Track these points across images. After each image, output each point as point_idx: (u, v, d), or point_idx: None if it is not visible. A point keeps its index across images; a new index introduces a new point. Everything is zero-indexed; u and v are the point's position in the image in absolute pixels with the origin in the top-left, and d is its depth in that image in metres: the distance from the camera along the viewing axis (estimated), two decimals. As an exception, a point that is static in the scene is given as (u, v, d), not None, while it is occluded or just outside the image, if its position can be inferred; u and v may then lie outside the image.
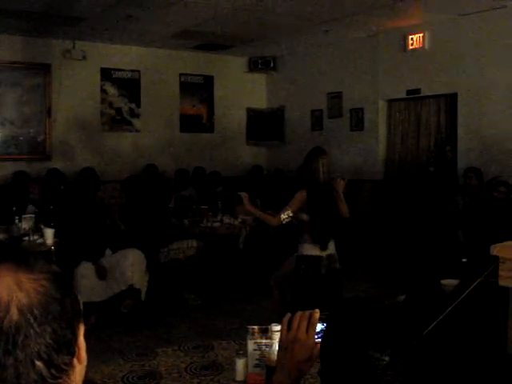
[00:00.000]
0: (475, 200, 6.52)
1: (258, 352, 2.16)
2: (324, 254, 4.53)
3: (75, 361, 0.94)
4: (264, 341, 2.15)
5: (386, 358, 1.16)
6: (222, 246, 6.79)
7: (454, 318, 1.47)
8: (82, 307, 0.99)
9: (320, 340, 1.48)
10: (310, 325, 1.48)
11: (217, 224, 6.77)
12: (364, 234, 8.42)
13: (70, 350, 0.93)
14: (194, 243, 6.54)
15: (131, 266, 5.76)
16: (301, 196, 4.50)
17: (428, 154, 7.99)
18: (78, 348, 0.96)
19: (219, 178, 8.73)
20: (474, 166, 6.93)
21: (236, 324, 5.66)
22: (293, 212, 4.44)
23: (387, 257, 7.73)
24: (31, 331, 0.88)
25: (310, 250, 4.51)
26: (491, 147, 7.16)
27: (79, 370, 0.96)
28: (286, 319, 1.52)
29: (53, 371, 0.89)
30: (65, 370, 0.91)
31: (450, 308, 1.44)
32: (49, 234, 5.61)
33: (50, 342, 0.89)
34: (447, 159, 7.71)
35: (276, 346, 2.03)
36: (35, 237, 5.70)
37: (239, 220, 6.94)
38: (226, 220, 6.90)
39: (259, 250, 6.96)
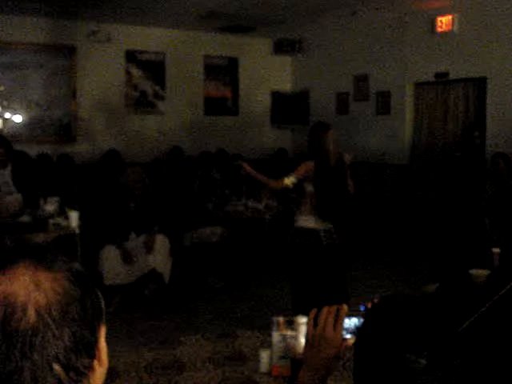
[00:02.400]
0: (503, 187, 6.38)
1: (283, 344, 2.13)
2: (321, 227, 4.47)
3: (95, 364, 0.90)
4: (289, 332, 2.12)
5: (423, 361, 1.11)
6: (247, 230, 6.76)
7: (491, 313, 1.42)
8: (103, 306, 0.95)
9: (349, 336, 1.44)
10: (337, 321, 1.43)
11: (241, 208, 6.73)
12: (387, 219, 8.33)
13: (90, 352, 0.89)
14: (219, 230, 6.52)
15: (154, 250, 5.76)
16: (308, 166, 4.45)
17: (455, 139, 7.85)
18: (99, 350, 0.92)
19: (241, 167, 8.66)
20: (502, 152, 6.78)
21: (259, 309, 5.64)
22: (297, 179, 4.40)
23: (411, 244, 7.63)
24: (49, 333, 0.84)
25: (306, 222, 4.48)
26: (521, 133, 7.00)
27: (100, 373, 0.92)
28: (311, 315, 1.47)
29: (71, 375, 0.86)
30: (84, 373, 0.88)
31: (488, 304, 1.39)
32: (73, 216, 5.62)
33: (69, 344, 0.86)
34: (475, 144, 7.56)
35: (302, 338, 2.00)
36: (59, 219, 5.72)
37: (263, 204, 6.89)
38: (250, 204, 6.86)
39: (283, 234, 6.91)
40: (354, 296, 5.54)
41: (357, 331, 1.42)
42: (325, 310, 1.46)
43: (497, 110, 7.27)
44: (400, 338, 1.15)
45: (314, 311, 1.48)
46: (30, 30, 8.24)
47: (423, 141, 8.41)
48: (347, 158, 4.69)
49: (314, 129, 4.64)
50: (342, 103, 9.50)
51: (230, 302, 5.87)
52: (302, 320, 2.00)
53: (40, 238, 5.39)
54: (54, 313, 0.85)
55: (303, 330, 1.98)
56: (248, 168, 4.63)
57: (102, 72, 8.76)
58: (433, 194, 7.94)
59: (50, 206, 5.91)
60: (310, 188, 4.48)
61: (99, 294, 0.95)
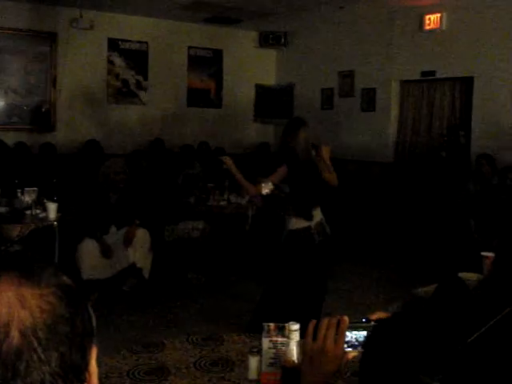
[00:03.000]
0: (487, 188, 6.36)
1: (273, 350, 2.04)
2: (312, 223, 4.44)
3: None
4: (280, 339, 2.02)
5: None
6: (229, 226, 6.66)
7: (501, 325, 1.35)
8: (94, 324, 0.85)
9: (350, 350, 1.36)
10: (339, 333, 1.34)
11: (224, 203, 6.63)
12: (371, 216, 8.28)
13: (80, 377, 0.79)
14: (200, 225, 6.41)
15: (134, 245, 5.63)
16: (282, 170, 4.44)
17: (440, 139, 7.82)
18: (89, 374, 0.82)
19: (224, 155, 8.56)
20: (487, 153, 6.75)
21: (241, 306, 5.54)
22: (273, 184, 4.37)
23: (395, 242, 7.59)
24: (35, 357, 0.74)
25: (297, 223, 4.44)
26: (506, 134, 6.98)
27: None
28: (310, 327, 1.38)
29: None
30: None
31: (499, 316, 1.32)
32: (52, 208, 5.47)
33: (57, 369, 0.75)
34: (460, 144, 7.54)
35: (293, 346, 1.91)
36: (37, 211, 5.57)
37: (246, 199, 6.79)
38: (233, 199, 6.75)
39: (266, 230, 6.83)
40: (336, 294, 5.49)
41: (363, 346, 1.33)
42: (325, 321, 1.36)
43: (482, 110, 7.25)
44: (412, 357, 1.07)
45: (312, 322, 1.39)
46: (11, 15, 8.01)
47: (408, 139, 8.38)
48: (325, 149, 4.61)
49: (287, 125, 4.62)
50: (327, 99, 9.44)
51: (211, 299, 5.77)
52: (294, 327, 1.91)
53: (17, 229, 5.24)
54: (41, 334, 0.75)
55: (295, 336, 1.89)
56: (230, 164, 4.54)
57: (83, 60, 8.58)
58: (417, 192, 7.91)
59: (28, 197, 5.75)
60: (287, 190, 4.46)
61: (90, 311, 0.85)
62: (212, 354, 2.26)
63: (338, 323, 1.35)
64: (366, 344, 1.29)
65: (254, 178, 7.45)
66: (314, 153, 4.58)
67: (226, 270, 6.56)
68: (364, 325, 1.38)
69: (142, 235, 5.68)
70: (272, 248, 4.86)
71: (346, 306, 5.28)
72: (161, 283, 5.96)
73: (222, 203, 6.64)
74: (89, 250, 5.45)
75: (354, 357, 1.36)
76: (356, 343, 1.36)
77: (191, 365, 2.16)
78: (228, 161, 4.53)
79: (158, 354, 2.25)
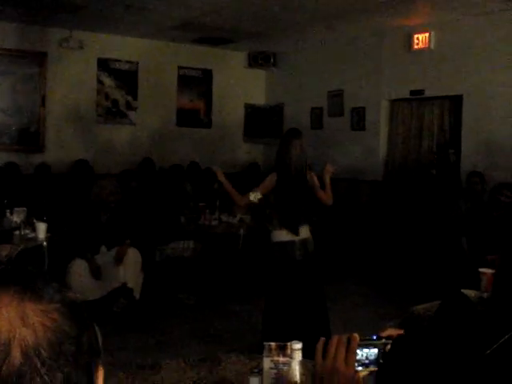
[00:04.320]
0: (479, 205, 6.35)
1: (275, 371, 1.98)
2: (297, 238, 4.39)
3: None
4: (282, 359, 1.96)
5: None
6: (220, 246, 6.60)
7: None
8: (101, 343, 0.79)
9: (361, 369, 1.30)
10: (349, 352, 1.29)
11: (215, 222, 6.57)
12: (361, 235, 8.25)
13: None
14: (191, 244, 6.35)
15: (125, 265, 5.56)
16: (271, 178, 4.42)
17: (430, 157, 7.84)
18: None
19: (214, 175, 8.52)
20: (477, 171, 6.76)
21: (234, 327, 5.48)
22: (262, 194, 4.33)
23: (385, 260, 7.56)
24: (37, 379, 0.68)
25: (282, 235, 4.39)
26: (495, 151, 7.01)
27: None
28: (320, 346, 1.33)
29: None
30: None
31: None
32: (41, 228, 5.41)
33: None
34: (450, 162, 7.56)
35: (296, 366, 1.86)
36: (27, 231, 5.49)
37: (237, 219, 6.75)
38: (224, 218, 6.71)
39: (257, 249, 6.78)
40: (329, 314, 5.42)
41: (379, 364, 1.28)
42: (334, 339, 1.32)
43: (472, 128, 7.28)
44: (431, 373, 1.02)
45: (322, 341, 1.34)
46: (0, 34, 7.98)
47: (398, 157, 8.39)
48: (329, 169, 4.62)
49: (283, 135, 4.64)
50: (317, 118, 9.45)
51: (203, 320, 5.70)
52: (297, 346, 1.86)
53: (6, 249, 5.14)
54: (44, 353, 0.69)
55: (297, 356, 1.84)
56: (221, 176, 4.54)
57: (73, 80, 8.54)
58: (407, 211, 7.89)
59: (17, 217, 5.68)
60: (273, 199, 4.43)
61: (96, 328, 0.80)
62: (210, 376, 2.20)
63: (348, 341, 1.30)
64: (383, 361, 1.24)
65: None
66: (310, 172, 4.55)
67: (218, 290, 6.49)
68: (374, 342, 1.33)
69: (132, 255, 5.61)
70: (264, 266, 4.81)
71: (340, 326, 5.21)
72: (152, 304, 5.88)
73: (213, 222, 6.59)
74: (79, 270, 5.37)
75: (366, 376, 1.31)
76: (367, 361, 1.31)
77: (189, 387, 2.09)
78: (218, 171, 4.52)
79: (154, 376, 2.18)
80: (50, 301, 0.73)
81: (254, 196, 4.32)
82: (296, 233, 4.41)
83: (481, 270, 3.36)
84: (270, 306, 4.49)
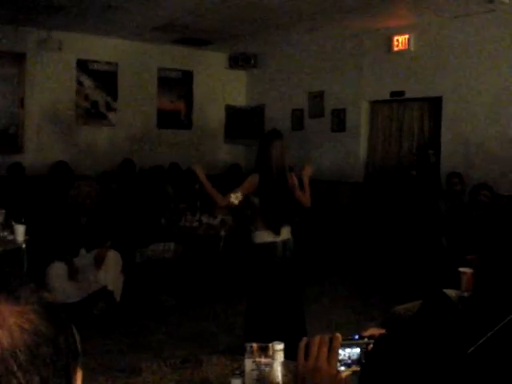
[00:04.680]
0: (459, 205, 6.41)
1: (257, 372, 1.97)
2: (278, 239, 4.40)
3: None
4: (263, 360, 1.95)
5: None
6: (201, 247, 6.57)
7: (498, 337, 1.32)
8: (79, 346, 0.77)
9: (343, 369, 1.30)
10: (332, 351, 1.28)
11: (195, 224, 6.54)
12: (342, 237, 8.27)
13: None
14: (172, 246, 6.32)
15: (105, 267, 5.51)
16: (252, 179, 4.40)
17: (410, 158, 7.88)
18: None
19: (195, 176, 8.48)
20: (457, 171, 6.81)
21: (214, 328, 5.45)
22: (242, 195, 4.31)
23: (365, 261, 7.58)
24: (14, 381, 0.66)
25: (264, 236, 4.38)
26: (475, 152, 7.08)
27: None
28: (302, 345, 1.32)
29: None
30: None
31: (500, 325, 1.29)
32: (20, 230, 5.32)
33: None
34: (430, 163, 7.61)
35: (277, 366, 1.85)
36: (5, 233, 5.41)
37: (218, 220, 6.72)
38: (205, 220, 6.67)
39: (238, 251, 6.76)
40: (309, 315, 5.42)
41: (362, 364, 1.28)
42: (316, 339, 1.31)
43: (451, 129, 7.34)
44: (415, 372, 1.02)
45: (304, 340, 1.33)
46: (-23, 35, 7.88)
47: (378, 159, 8.43)
48: (307, 170, 4.62)
49: (264, 136, 4.64)
50: (297, 119, 9.47)
51: (184, 321, 5.66)
52: (279, 346, 1.85)
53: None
54: (21, 356, 0.67)
55: (279, 357, 1.83)
56: (201, 175, 4.50)
57: (52, 81, 8.46)
58: (388, 211, 7.93)
59: (-5, 219, 5.59)
60: (256, 201, 4.40)
61: (74, 330, 0.78)
62: (192, 378, 2.18)
63: (330, 341, 1.29)
64: (366, 361, 1.23)
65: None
66: (290, 174, 4.54)
67: (199, 292, 6.46)
68: (357, 342, 1.32)
69: (113, 257, 5.57)
70: (245, 267, 4.79)
71: (321, 327, 5.22)
72: (132, 306, 5.83)
73: (194, 224, 6.55)
74: (58, 273, 5.32)
75: (348, 375, 1.31)
76: (349, 361, 1.31)
77: (170, 389, 2.07)
78: (199, 170, 4.48)
79: (135, 378, 2.16)
80: (26, 302, 0.71)
81: (235, 197, 4.31)
82: (278, 233, 4.40)
83: (461, 269, 3.38)
84: (252, 307, 4.47)
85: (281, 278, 4.44)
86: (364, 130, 8.57)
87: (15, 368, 0.67)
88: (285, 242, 4.46)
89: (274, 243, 4.40)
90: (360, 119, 8.54)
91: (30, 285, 0.74)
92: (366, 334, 1.37)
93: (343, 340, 1.30)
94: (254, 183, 4.38)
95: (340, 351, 1.30)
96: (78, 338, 0.78)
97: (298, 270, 4.63)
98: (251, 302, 4.50)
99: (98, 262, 5.45)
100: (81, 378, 0.77)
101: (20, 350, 0.67)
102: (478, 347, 1.26)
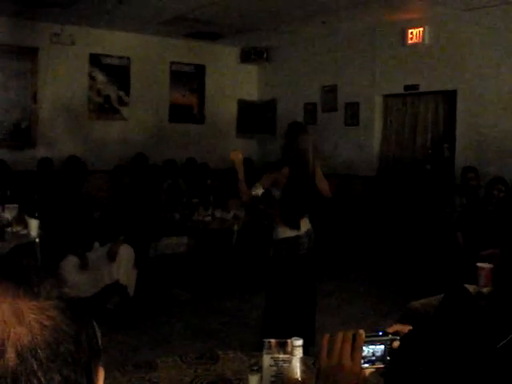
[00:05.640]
0: (474, 200, 6.33)
1: (275, 368, 1.93)
2: (301, 232, 4.33)
3: None
4: (282, 356, 1.92)
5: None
6: (214, 241, 6.55)
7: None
8: (100, 342, 0.74)
9: (367, 366, 1.26)
10: (355, 348, 1.25)
11: (208, 218, 6.52)
12: (355, 231, 8.22)
13: None
14: (185, 240, 6.30)
15: (118, 261, 5.50)
16: (282, 172, 4.26)
17: (424, 152, 7.81)
18: None
19: (208, 170, 8.49)
20: (472, 166, 6.74)
21: (228, 323, 5.43)
22: (265, 187, 4.22)
23: (379, 257, 7.53)
24: (34, 381, 0.63)
25: (283, 232, 4.31)
26: (489, 146, 6.99)
27: None
28: (325, 342, 1.28)
29: None
30: None
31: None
32: (33, 224, 5.33)
33: None
34: (444, 157, 7.53)
35: (296, 362, 1.82)
36: (18, 228, 5.42)
37: (231, 215, 6.70)
38: (218, 214, 6.65)
39: (252, 245, 6.74)
40: (324, 310, 5.39)
41: (388, 361, 1.24)
42: (340, 335, 1.27)
43: (466, 123, 7.26)
44: (442, 368, 0.98)
45: (326, 337, 1.29)
46: (-10, 29, 7.89)
47: (391, 153, 8.36)
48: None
49: (292, 130, 4.41)
50: (310, 113, 9.41)
51: (198, 315, 5.65)
52: (297, 342, 1.82)
53: (-3, 246, 5.07)
54: (41, 354, 0.64)
55: (298, 353, 1.80)
56: (239, 161, 4.33)
57: (64, 75, 8.46)
58: (401, 206, 7.87)
59: (9, 214, 5.60)
60: (277, 194, 4.32)
61: (96, 327, 0.75)
62: (208, 373, 2.15)
63: (354, 337, 1.26)
64: (392, 358, 1.20)
65: (239, 193, 7.36)
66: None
67: (212, 286, 6.44)
68: (381, 338, 1.29)
69: (125, 252, 5.56)
70: (259, 262, 4.74)
71: (336, 321, 5.18)
72: (146, 300, 5.82)
73: (206, 218, 6.54)
74: (71, 267, 5.31)
75: (372, 373, 1.27)
76: (373, 358, 1.27)
77: (187, 385, 2.05)
78: (238, 156, 4.32)
79: (151, 374, 2.13)
80: (47, 297, 0.68)
81: (256, 191, 4.24)
82: (298, 227, 4.33)
83: (479, 264, 3.33)
84: (272, 303, 4.40)
85: (302, 271, 4.37)
86: (377, 124, 8.50)
87: (35, 366, 0.64)
88: (307, 234, 4.39)
89: (297, 237, 4.32)
90: (373, 113, 8.47)
91: (50, 279, 0.71)
92: (391, 330, 1.33)
93: (367, 336, 1.27)
94: (284, 176, 4.27)
95: (364, 348, 1.26)
96: (99, 334, 0.75)
97: (315, 262, 4.57)
98: (272, 297, 4.43)
99: (111, 257, 5.45)
100: (103, 376, 0.74)
101: (40, 348, 0.64)
102: (508, 342, 1.22)
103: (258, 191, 4.21)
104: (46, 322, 0.66)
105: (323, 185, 4.44)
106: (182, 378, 2.10)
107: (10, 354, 0.62)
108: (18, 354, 0.63)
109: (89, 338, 0.70)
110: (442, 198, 6.89)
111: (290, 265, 4.32)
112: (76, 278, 5.29)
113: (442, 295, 1.99)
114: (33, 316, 0.65)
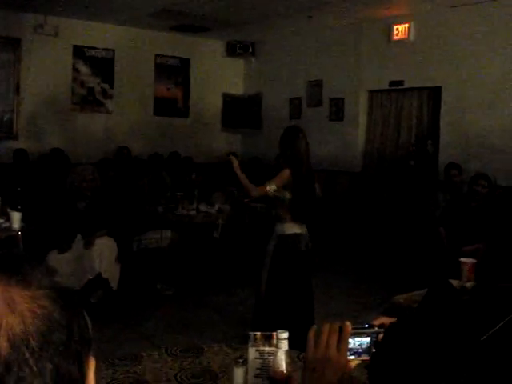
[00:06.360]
0: (457, 196, 6.38)
1: (260, 361, 1.94)
2: (303, 231, 4.49)
3: None
4: (267, 348, 1.93)
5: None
6: (198, 236, 6.55)
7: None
8: (91, 331, 0.74)
9: (353, 358, 1.27)
10: (342, 340, 1.26)
11: (193, 212, 6.50)
12: (340, 226, 8.26)
13: None
14: (169, 234, 6.28)
15: (100, 254, 5.46)
16: (285, 174, 4.38)
17: (408, 148, 7.86)
18: None
19: (192, 164, 8.48)
20: (455, 162, 6.78)
21: (212, 317, 5.44)
22: (277, 187, 4.34)
23: (363, 252, 7.57)
24: (26, 370, 0.63)
25: (291, 228, 4.44)
26: (473, 142, 7.05)
27: None
28: (311, 334, 1.29)
29: None
30: None
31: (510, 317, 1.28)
32: (16, 217, 5.27)
33: (51, 383, 0.65)
34: (428, 153, 7.58)
35: (282, 355, 1.82)
36: (1, 220, 5.37)
37: (216, 208, 6.70)
38: (202, 208, 6.64)
39: (236, 239, 6.74)
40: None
41: (372, 353, 1.25)
42: (326, 327, 1.28)
43: (450, 120, 7.31)
44: (427, 362, 0.99)
45: (313, 329, 1.30)
46: (-28, 19, 7.80)
47: (376, 148, 8.40)
48: None
49: (289, 133, 4.55)
50: (295, 108, 9.42)
51: (181, 309, 5.64)
52: (283, 335, 1.82)
53: (-21, 239, 5.03)
54: (33, 342, 0.64)
55: (284, 345, 1.80)
56: (237, 166, 4.46)
57: (48, 67, 8.39)
58: (386, 201, 7.92)
59: (-10, 206, 5.54)
60: (287, 195, 4.41)
61: (86, 316, 0.75)
62: (193, 366, 2.15)
63: (340, 329, 1.27)
64: (376, 350, 1.21)
65: (223, 187, 7.36)
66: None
67: (196, 280, 6.44)
68: (367, 330, 1.30)
69: (107, 245, 5.52)
70: (246, 256, 4.77)
71: (322, 316, 5.20)
72: (129, 294, 5.80)
73: (191, 212, 6.52)
74: (55, 261, 5.26)
75: (357, 365, 1.28)
76: (360, 350, 1.28)
77: (172, 378, 2.04)
78: (235, 160, 4.45)
79: (135, 366, 2.13)
80: (39, 286, 0.68)
81: (271, 188, 4.34)
82: (306, 224, 4.52)
83: (462, 259, 3.36)
84: (268, 296, 4.46)
85: (303, 267, 4.49)
86: (362, 120, 8.53)
87: (27, 355, 0.64)
88: (307, 233, 4.55)
89: (301, 234, 4.48)
90: (358, 108, 8.50)
91: (42, 268, 0.71)
92: (376, 322, 1.34)
93: (353, 329, 1.28)
94: (286, 178, 4.38)
95: (350, 340, 1.27)
96: (89, 324, 0.75)
97: (313, 260, 4.70)
98: (269, 290, 4.49)
99: (87, 244, 5.41)
100: (94, 366, 0.74)
101: (32, 337, 0.64)
102: (491, 335, 1.24)
103: (272, 189, 4.32)
104: (38, 311, 0.66)
105: (317, 185, 4.66)
106: (167, 371, 2.10)
107: (2, 343, 0.63)
108: (10, 343, 0.63)
109: (80, 328, 0.71)
110: (426, 193, 6.93)
111: (293, 259, 4.43)
112: (60, 271, 5.25)
113: (425, 290, 2.01)
114: (25, 305, 0.66)
